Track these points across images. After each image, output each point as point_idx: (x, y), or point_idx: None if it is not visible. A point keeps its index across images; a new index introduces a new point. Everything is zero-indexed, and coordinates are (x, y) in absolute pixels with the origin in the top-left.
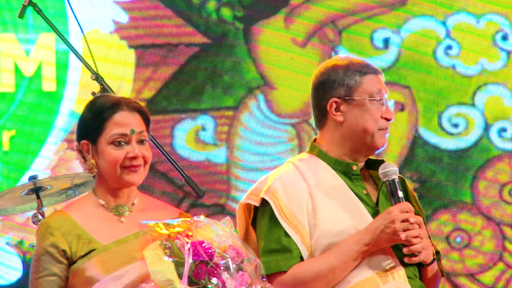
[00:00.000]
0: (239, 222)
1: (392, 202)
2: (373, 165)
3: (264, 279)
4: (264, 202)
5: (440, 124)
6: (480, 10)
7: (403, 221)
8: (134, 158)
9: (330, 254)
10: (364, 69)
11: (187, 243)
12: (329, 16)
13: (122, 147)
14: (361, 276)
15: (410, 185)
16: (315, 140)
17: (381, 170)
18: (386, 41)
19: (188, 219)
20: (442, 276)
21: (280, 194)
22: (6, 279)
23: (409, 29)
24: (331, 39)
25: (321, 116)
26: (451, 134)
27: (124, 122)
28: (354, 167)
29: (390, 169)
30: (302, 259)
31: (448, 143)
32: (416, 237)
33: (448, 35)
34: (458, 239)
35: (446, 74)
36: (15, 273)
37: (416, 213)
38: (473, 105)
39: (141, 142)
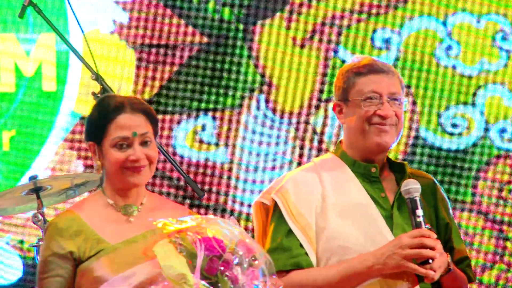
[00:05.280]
0: (255, 221)
1: (412, 220)
2: (394, 166)
3: (274, 276)
4: (275, 201)
5: (440, 124)
6: (480, 10)
7: (413, 248)
8: (135, 161)
9: (332, 269)
10: (362, 70)
11: (198, 239)
12: (330, 16)
13: (125, 149)
14: None
15: None
16: (341, 140)
17: (403, 187)
18: (386, 41)
19: (198, 216)
20: (471, 282)
21: (290, 194)
22: (6, 279)
23: (409, 29)
24: (331, 39)
25: None
26: (452, 134)
27: (127, 124)
28: (373, 169)
29: (412, 186)
30: (305, 257)
31: (448, 143)
32: (428, 261)
33: (448, 35)
34: None
35: (446, 74)
36: (15, 273)
37: (443, 220)
38: (473, 105)
39: (145, 143)
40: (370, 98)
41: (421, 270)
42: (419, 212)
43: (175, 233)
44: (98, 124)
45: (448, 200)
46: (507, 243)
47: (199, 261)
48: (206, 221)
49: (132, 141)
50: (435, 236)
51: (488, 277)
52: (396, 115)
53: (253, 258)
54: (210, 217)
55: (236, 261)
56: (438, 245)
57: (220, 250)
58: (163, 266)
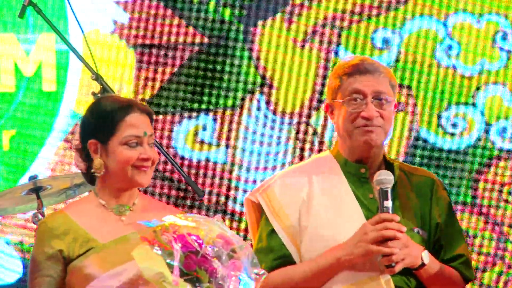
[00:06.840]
0: (248, 218)
1: (380, 210)
2: (388, 168)
3: (257, 267)
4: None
5: (440, 124)
6: (480, 10)
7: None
8: (146, 159)
9: (306, 265)
10: (348, 70)
11: (174, 237)
12: (329, 17)
13: (135, 148)
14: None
15: None
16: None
17: (376, 177)
18: (386, 41)
19: (179, 215)
20: (468, 280)
21: (276, 193)
22: (6, 279)
23: (409, 29)
24: (331, 40)
25: None
26: (451, 134)
27: (138, 124)
28: (363, 170)
29: (384, 177)
30: (289, 258)
31: (448, 143)
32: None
33: (448, 35)
34: None
35: (446, 74)
36: (15, 273)
37: (434, 220)
38: (473, 105)
39: (151, 144)
40: (354, 99)
41: (385, 250)
42: (388, 203)
43: (152, 236)
44: (106, 122)
45: (448, 199)
46: (507, 244)
47: (177, 259)
48: (185, 218)
49: (142, 141)
50: (398, 218)
51: (488, 277)
52: (382, 116)
53: (232, 250)
54: (191, 215)
55: (213, 253)
56: (402, 234)
57: (197, 245)
58: (142, 269)
